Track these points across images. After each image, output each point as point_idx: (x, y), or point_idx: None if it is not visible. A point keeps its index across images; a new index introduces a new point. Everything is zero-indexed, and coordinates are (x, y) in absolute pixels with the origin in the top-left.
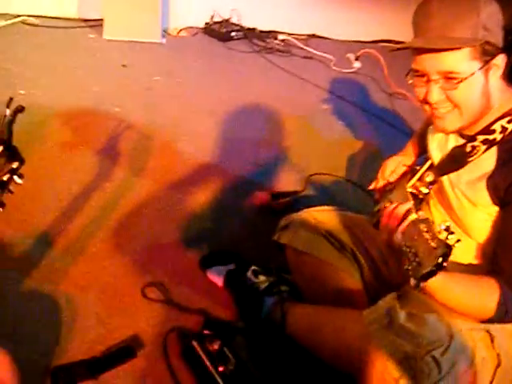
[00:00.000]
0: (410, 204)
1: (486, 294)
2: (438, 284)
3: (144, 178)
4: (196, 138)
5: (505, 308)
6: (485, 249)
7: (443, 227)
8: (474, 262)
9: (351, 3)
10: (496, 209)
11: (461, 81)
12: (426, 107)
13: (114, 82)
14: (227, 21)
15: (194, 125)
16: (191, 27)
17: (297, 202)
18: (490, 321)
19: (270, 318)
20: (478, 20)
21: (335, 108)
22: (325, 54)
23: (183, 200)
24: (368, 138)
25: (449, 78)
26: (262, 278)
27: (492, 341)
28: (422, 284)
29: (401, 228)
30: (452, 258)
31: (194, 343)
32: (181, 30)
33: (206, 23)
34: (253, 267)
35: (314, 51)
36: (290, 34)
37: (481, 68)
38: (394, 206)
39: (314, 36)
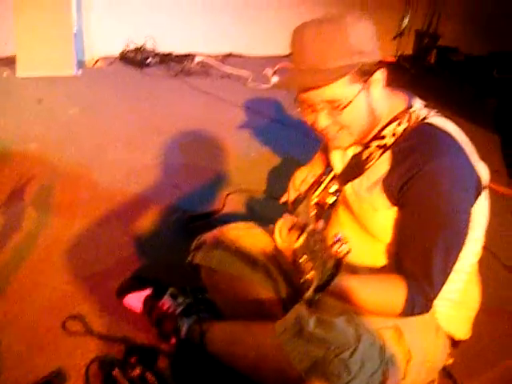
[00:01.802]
0: (307, 217)
1: (393, 292)
2: (345, 287)
3: (60, 213)
4: (112, 167)
5: (412, 304)
6: (393, 249)
7: (336, 238)
8: (385, 262)
9: (267, 18)
10: (395, 210)
11: (345, 106)
12: (318, 131)
13: (30, 118)
14: (142, 48)
15: (110, 155)
16: (107, 57)
17: (216, 221)
18: (400, 316)
19: (189, 339)
20: (350, 45)
21: (253, 124)
22: (242, 72)
23: (101, 231)
24: (286, 151)
25: (333, 104)
26: (179, 299)
27: (401, 337)
28: (316, 296)
29: (297, 243)
30: (365, 262)
31: (115, 371)
32: (97, 61)
33: (122, 52)
34: (170, 290)
35: (231, 70)
36: (206, 55)
37: (361, 89)
38: (289, 220)
39: (231, 55)
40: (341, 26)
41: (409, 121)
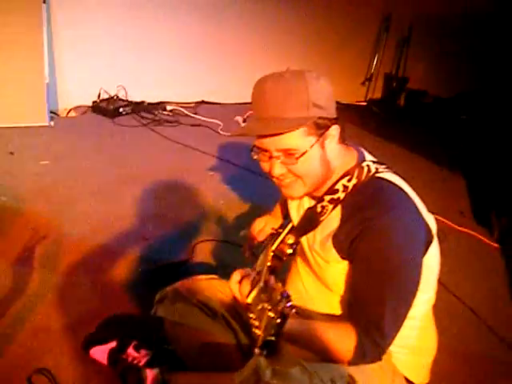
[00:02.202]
0: (262, 269)
1: (343, 340)
2: (295, 334)
3: (27, 266)
4: (81, 219)
5: (362, 352)
6: (346, 300)
7: (284, 295)
8: (339, 312)
9: (237, 66)
10: (346, 263)
11: (299, 156)
12: (273, 179)
13: (1, 170)
14: (114, 97)
15: (80, 206)
16: (80, 106)
17: (184, 271)
18: (351, 362)
19: None
20: (308, 99)
21: (223, 172)
22: (213, 120)
23: (68, 283)
24: (255, 199)
25: (288, 153)
26: (143, 351)
27: None
28: (264, 352)
29: (248, 299)
30: (322, 310)
31: None
32: (70, 111)
33: (94, 101)
34: (134, 342)
35: (202, 118)
36: (178, 104)
37: (316, 142)
38: (242, 273)
39: (202, 102)
40: (301, 79)
41: (359, 176)
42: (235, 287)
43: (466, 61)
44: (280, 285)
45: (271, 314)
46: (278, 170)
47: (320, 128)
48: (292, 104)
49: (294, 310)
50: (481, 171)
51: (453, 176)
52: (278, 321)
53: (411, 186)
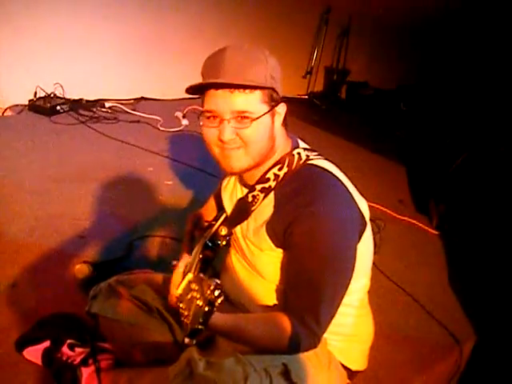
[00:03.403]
0: (194, 261)
1: (277, 330)
2: (226, 328)
3: None
4: (17, 218)
5: (297, 341)
6: (280, 289)
7: (213, 285)
8: (275, 302)
9: (177, 62)
10: (280, 251)
11: (253, 119)
12: (215, 148)
13: None
14: (51, 95)
15: (17, 206)
16: (16, 105)
17: (121, 268)
18: (287, 353)
19: None
20: (267, 68)
21: (162, 168)
22: (152, 116)
23: (2, 282)
24: (195, 194)
25: (242, 117)
26: (77, 350)
27: (289, 374)
28: (193, 341)
29: (178, 290)
30: (257, 301)
31: None
32: (6, 110)
33: (30, 100)
34: (68, 340)
35: (142, 114)
36: (117, 101)
37: (268, 111)
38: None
39: (142, 99)
40: (260, 52)
41: (289, 164)
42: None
43: (406, 53)
44: (208, 276)
45: (199, 303)
46: (228, 133)
47: (272, 100)
48: (253, 71)
49: (221, 298)
50: (419, 160)
51: (392, 165)
52: (206, 309)
53: (350, 174)
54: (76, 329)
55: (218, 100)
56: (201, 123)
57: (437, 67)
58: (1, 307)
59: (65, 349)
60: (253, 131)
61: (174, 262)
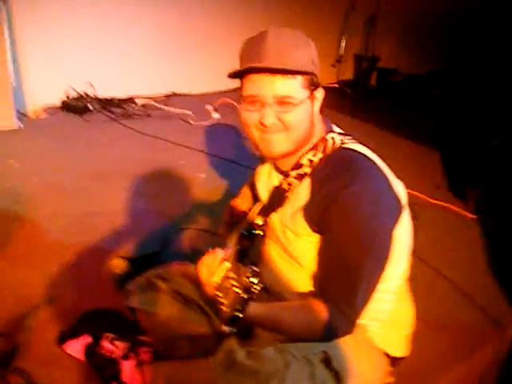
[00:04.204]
0: (232, 251)
1: (312, 317)
2: (264, 315)
3: (3, 260)
4: (54, 216)
5: (334, 327)
6: (316, 275)
7: (250, 272)
8: (312, 289)
9: (205, 56)
10: (317, 236)
11: (295, 104)
12: (255, 131)
13: None
14: (84, 95)
15: (53, 205)
16: (49, 106)
17: (159, 262)
18: (323, 340)
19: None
20: (310, 53)
21: (194, 162)
22: (183, 111)
23: (41, 280)
24: (229, 187)
25: (283, 102)
26: (118, 344)
27: (330, 361)
28: (232, 329)
29: (213, 279)
30: (292, 288)
31: None
32: (39, 111)
33: (63, 101)
34: (109, 335)
35: (173, 109)
36: (148, 97)
37: (309, 97)
38: (208, 257)
39: (173, 94)
40: (303, 36)
41: (324, 149)
42: (204, 269)
43: (434, 38)
44: (246, 264)
45: (237, 290)
46: (271, 117)
47: (312, 85)
48: (295, 54)
49: (259, 286)
50: (454, 144)
51: (427, 151)
52: (245, 296)
53: (386, 162)
54: (115, 323)
55: (261, 85)
56: (241, 108)
57: (466, 51)
58: (43, 305)
59: (105, 343)
60: (294, 116)
61: (210, 250)
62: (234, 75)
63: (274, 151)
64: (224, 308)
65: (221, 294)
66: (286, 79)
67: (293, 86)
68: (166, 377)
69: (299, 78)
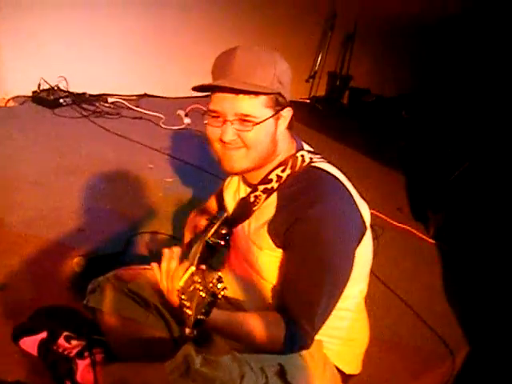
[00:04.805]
0: (194, 259)
1: (272, 329)
2: (225, 323)
3: None
4: (17, 208)
5: (291, 341)
6: (278, 289)
7: (215, 277)
8: (271, 302)
9: (181, 60)
10: (280, 251)
11: (256, 123)
12: (217, 146)
13: None
14: (55, 88)
15: (17, 196)
16: (19, 96)
17: (119, 263)
18: (281, 352)
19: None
20: (275, 72)
21: (162, 166)
22: (154, 113)
23: (1, 273)
24: (194, 192)
25: (244, 120)
26: (74, 342)
27: (285, 374)
28: (194, 332)
29: (180, 282)
30: (253, 301)
31: None
32: (8, 100)
33: (34, 91)
34: (65, 333)
35: (144, 111)
36: (120, 96)
37: (273, 116)
38: (169, 262)
39: (145, 95)
40: (270, 54)
41: (293, 166)
42: (157, 272)
43: (409, 62)
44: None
45: (202, 294)
46: (230, 134)
47: (278, 105)
48: (260, 73)
49: (224, 291)
50: (419, 168)
51: (392, 173)
52: (209, 299)
53: (351, 181)
54: (73, 321)
55: (223, 101)
56: (205, 121)
57: (438, 76)
58: None
59: (61, 341)
60: (254, 134)
61: (166, 250)
62: (200, 90)
63: (234, 167)
64: (188, 311)
65: (185, 297)
66: (247, 98)
67: (254, 105)
68: (120, 378)
69: (262, 97)
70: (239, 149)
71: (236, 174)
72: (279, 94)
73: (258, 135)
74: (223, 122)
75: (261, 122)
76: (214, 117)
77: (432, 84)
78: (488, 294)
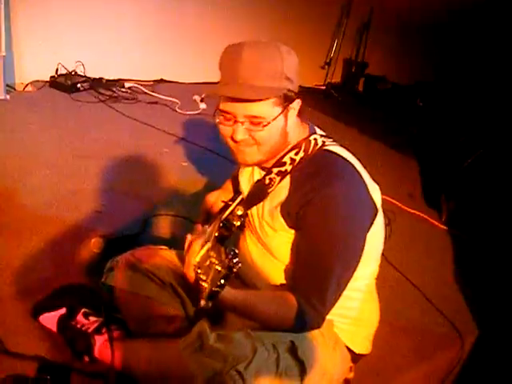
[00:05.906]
0: (211, 237)
1: (284, 308)
2: (238, 300)
3: None
4: (36, 191)
5: (303, 320)
6: (291, 269)
7: (231, 253)
8: (284, 281)
9: (198, 45)
10: (293, 232)
11: (266, 124)
12: (230, 142)
13: None
14: (72, 73)
15: (35, 179)
16: (37, 81)
17: (136, 245)
18: (292, 331)
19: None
20: (282, 70)
21: (177, 150)
22: (170, 98)
23: (20, 252)
24: (210, 176)
25: (254, 122)
26: (92, 318)
27: (296, 350)
28: (209, 304)
29: (197, 257)
30: (267, 280)
31: None
32: (27, 85)
33: (52, 76)
34: (83, 309)
35: (160, 96)
36: (137, 81)
37: (281, 113)
38: (189, 241)
39: (161, 81)
40: (276, 51)
41: (306, 149)
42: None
43: (425, 50)
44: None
45: (218, 268)
46: (241, 134)
47: (286, 100)
48: (267, 73)
49: (239, 265)
50: (433, 156)
51: (406, 160)
52: (225, 272)
53: (365, 166)
54: (91, 299)
55: (232, 105)
56: (217, 120)
57: (455, 65)
58: (18, 276)
59: (79, 317)
60: (265, 133)
61: (189, 236)
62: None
63: (247, 161)
64: (204, 284)
65: (201, 271)
66: (257, 102)
67: (264, 107)
68: (136, 353)
69: (271, 99)
70: (251, 146)
71: (249, 166)
72: (287, 90)
73: (269, 133)
74: (234, 121)
75: (271, 121)
76: (225, 116)
77: (447, 72)
78: (498, 279)
